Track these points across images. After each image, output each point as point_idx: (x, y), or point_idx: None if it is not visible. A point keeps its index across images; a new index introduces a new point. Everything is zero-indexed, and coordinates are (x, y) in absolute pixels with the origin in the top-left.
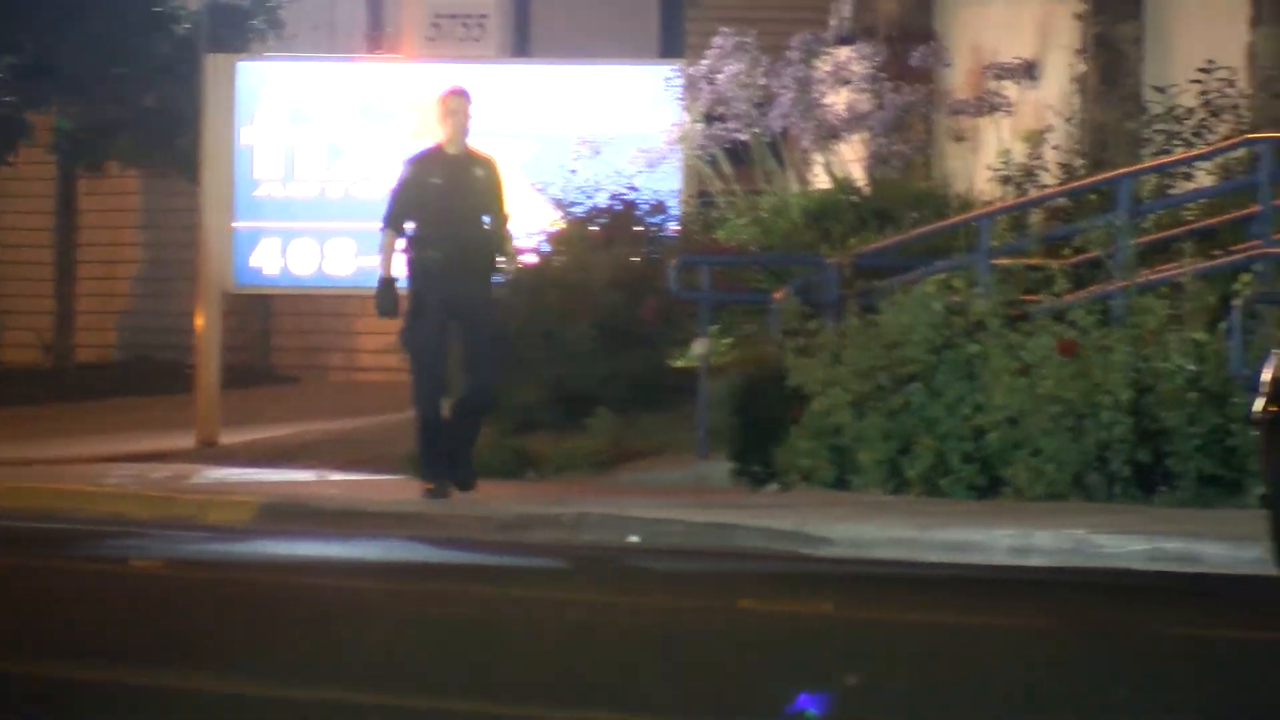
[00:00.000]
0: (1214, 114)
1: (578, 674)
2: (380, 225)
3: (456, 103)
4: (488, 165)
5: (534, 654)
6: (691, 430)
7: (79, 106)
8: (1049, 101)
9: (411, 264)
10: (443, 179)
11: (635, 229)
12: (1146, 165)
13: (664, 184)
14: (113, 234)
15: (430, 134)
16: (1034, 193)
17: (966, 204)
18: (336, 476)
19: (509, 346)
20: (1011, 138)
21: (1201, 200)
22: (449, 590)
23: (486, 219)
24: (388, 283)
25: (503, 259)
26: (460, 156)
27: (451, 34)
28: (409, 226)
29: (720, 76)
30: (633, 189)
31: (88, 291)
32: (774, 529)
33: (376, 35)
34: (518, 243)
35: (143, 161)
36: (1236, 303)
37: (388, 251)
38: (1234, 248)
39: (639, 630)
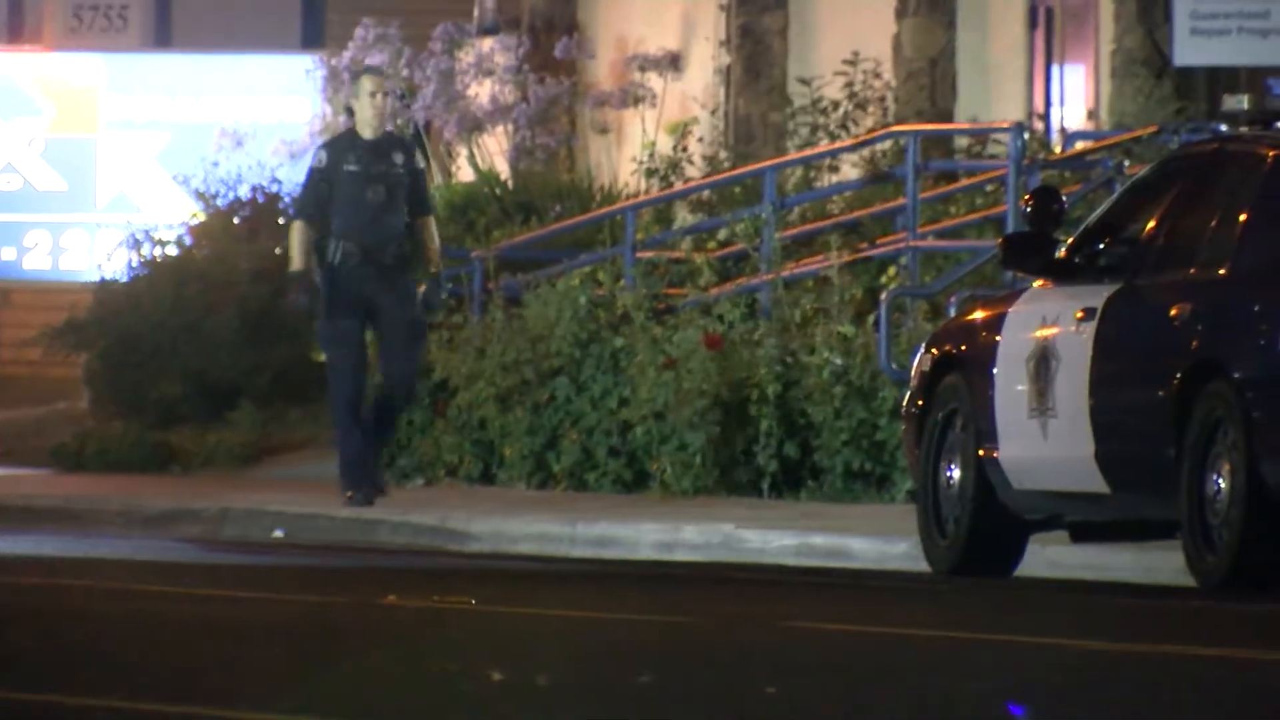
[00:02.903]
0: (860, 106)
1: (207, 671)
2: (292, 218)
3: (371, 83)
4: (408, 150)
5: (168, 651)
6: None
7: None
8: (694, 93)
9: (323, 258)
10: (358, 166)
11: (278, 221)
12: (792, 157)
13: None
14: None
15: (70, 123)
16: (679, 185)
17: (611, 197)
18: None
19: (425, 340)
20: (656, 130)
21: (848, 192)
22: (87, 586)
23: (405, 209)
24: (301, 275)
25: (432, 253)
26: (377, 142)
27: (93, 25)
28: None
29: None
30: (276, 181)
31: None
32: (418, 524)
33: (16, 26)
34: (166, 234)
35: None
36: (884, 296)
37: (301, 243)
38: (881, 240)
39: (279, 627)
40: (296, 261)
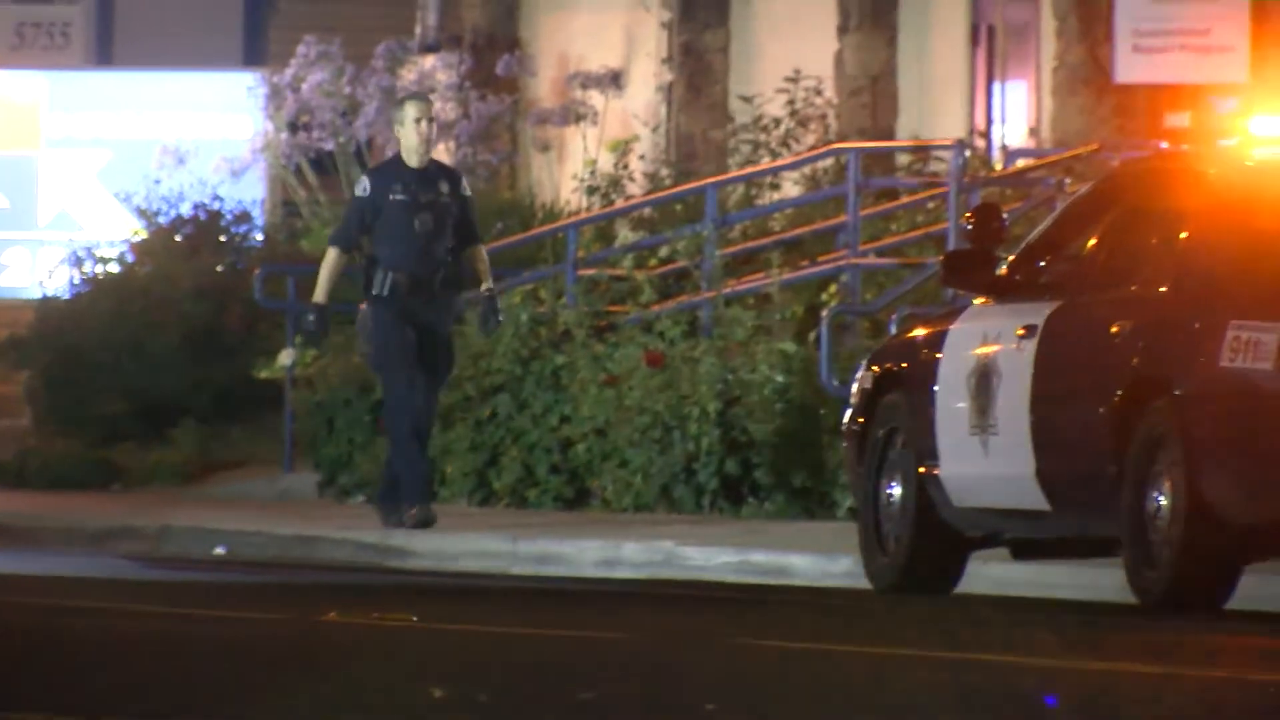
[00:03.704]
0: (801, 123)
1: (145, 688)
2: (331, 244)
3: (416, 109)
4: (454, 179)
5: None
6: (278, 442)
7: None
8: (635, 110)
9: (371, 290)
10: (405, 195)
11: (220, 239)
12: (733, 175)
13: (249, 193)
14: None
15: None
16: (620, 202)
17: (553, 214)
18: None
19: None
20: (598, 147)
21: (789, 210)
22: (27, 603)
23: (451, 239)
24: (321, 309)
25: (486, 284)
26: (424, 170)
27: (35, 42)
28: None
29: (304, 85)
30: (217, 198)
31: None
32: (360, 541)
33: None
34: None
35: None
36: (825, 313)
37: (331, 273)
38: (822, 258)
39: (220, 644)
40: (320, 294)
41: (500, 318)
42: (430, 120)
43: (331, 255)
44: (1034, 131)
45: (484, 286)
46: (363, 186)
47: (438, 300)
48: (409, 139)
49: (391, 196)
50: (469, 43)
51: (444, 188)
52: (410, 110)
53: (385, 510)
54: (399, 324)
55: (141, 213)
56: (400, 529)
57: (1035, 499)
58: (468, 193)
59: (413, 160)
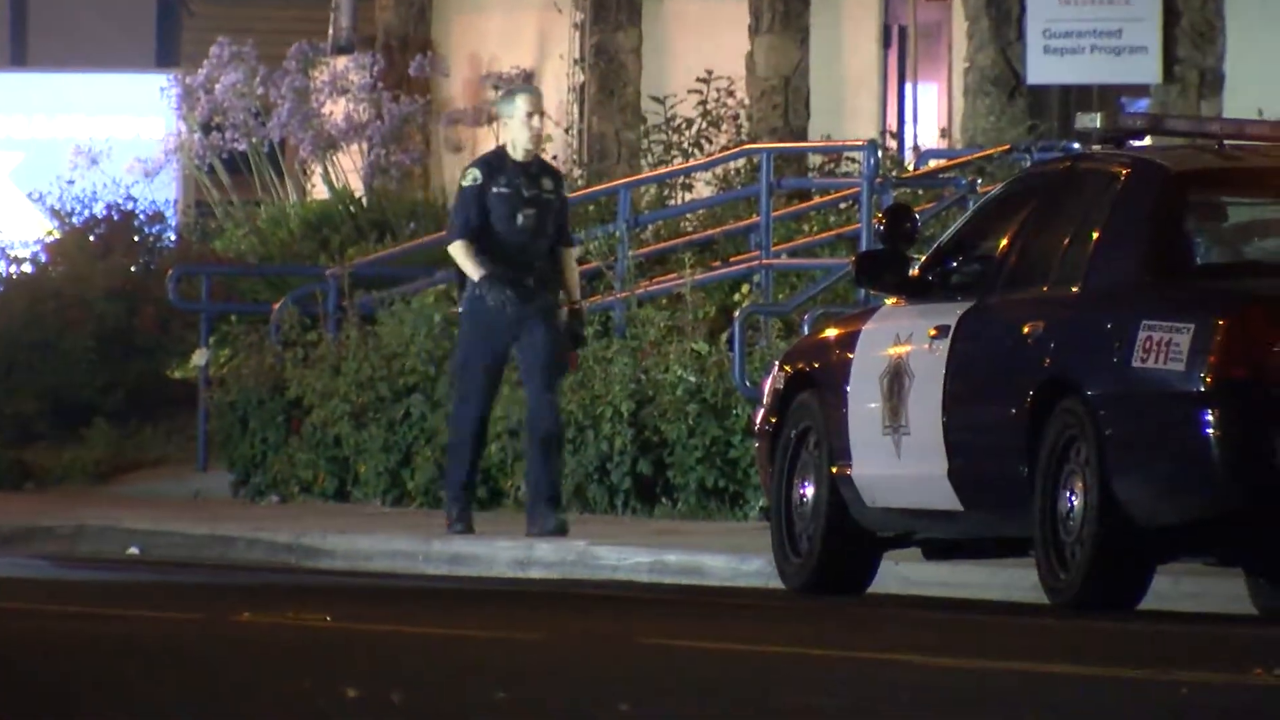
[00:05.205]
0: (714, 124)
1: (56, 688)
2: (452, 239)
3: (528, 103)
4: (557, 177)
5: (15, 669)
6: (192, 442)
7: None
8: (548, 111)
9: (465, 283)
10: (509, 188)
11: (134, 239)
12: (646, 175)
13: (162, 194)
14: None
15: None
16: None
17: None
18: None
19: (565, 372)
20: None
21: (701, 210)
22: None
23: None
24: (490, 276)
25: (572, 285)
26: (528, 164)
27: None
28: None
29: (218, 86)
30: (130, 199)
31: None
32: (273, 541)
33: None
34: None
35: None
36: (737, 314)
37: (471, 255)
38: (734, 258)
39: (133, 644)
40: (476, 272)
41: (584, 333)
42: (541, 114)
43: (460, 246)
44: (945, 132)
45: (572, 299)
46: (472, 177)
47: (536, 300)
48: (519, 133)
49: (495, 190)
50: (382, 44)
51: (547, 184)
52: (522, 104)
53: (450, 515)
54: (488, 333)
55: (55, 213)
56: (466, 535)
57: (947, 499)
58: (567, 192)
59: (519, 154)
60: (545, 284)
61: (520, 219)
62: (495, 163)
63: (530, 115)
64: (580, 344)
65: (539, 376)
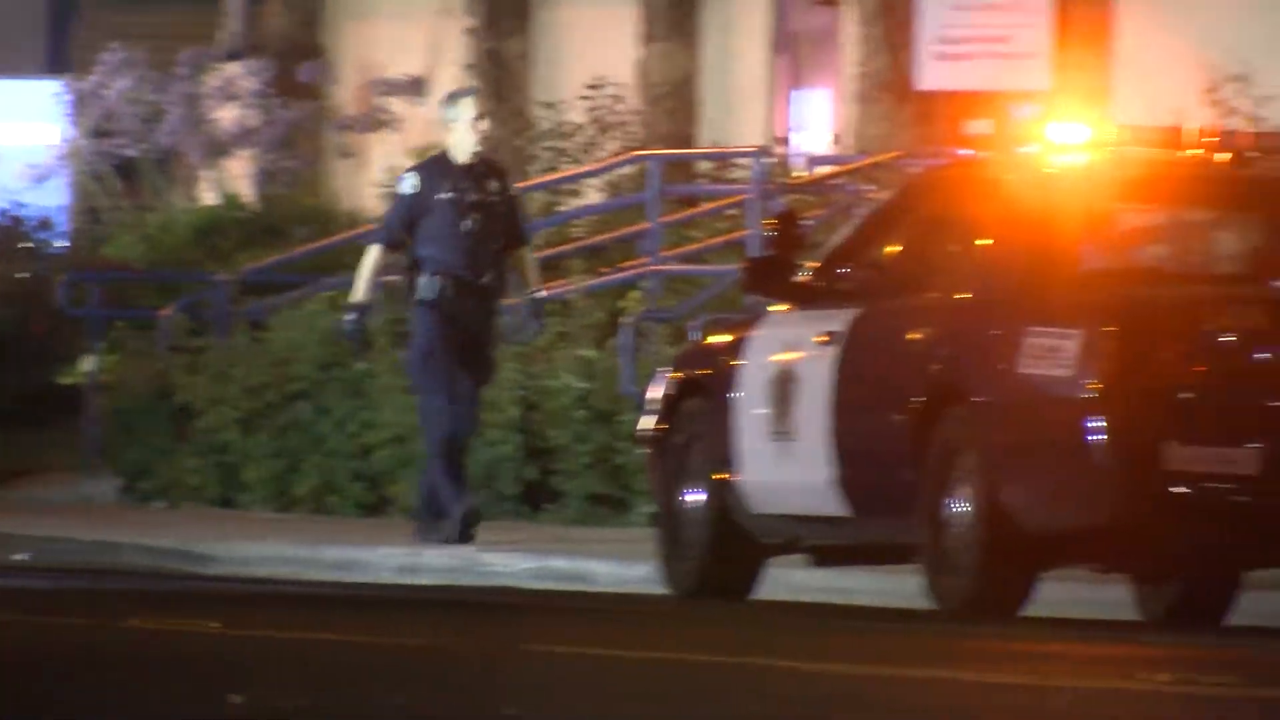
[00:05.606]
0: (603, 130)
1: None
2: (372, 241)
3: (474, 107)
4: (503, 177)
5: None
6: (79, 447)
7: None
8: (437, 118)
9: (415, 292)
10: (453, 193)
11: (23, 245)
12: (535, 181)
13: (52, 200)
14: None
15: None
16: None
17: (354, 220)
18: None
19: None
20: (400, 154)
21: (591, 216)
22: None
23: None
24: (361, 310)
25: (532, 287)
26: (471, 166)
27: None
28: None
29: (109, 92)
30: (20, 205)
31: None
32: (160, 547)
33: None
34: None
35: None
36: (625, 320)
37: (371, 272)
38: (623, 265)
39: (18, 649)
40: (360, 292)
41: (541, 324)
42: (486, 117)
43: (373, 253)
44: (836, 139)
45: (530, 290)
46: (410, 184)
47: (483, 306)
48: (465, 137)
49: (438, 195)
50: (273, 50)
51: (493, 186)
52: (468, 108)
53: (423, 527)
54: (443, 333)
55: None
56: (442, 545)
57: (834, 505)
58: (516, 191)
59: (463, 157)
60: (493, 291)
61: (466, 224)
62: (436, 168)
63: (477, 118)
64: (532, 337)
65: (468, 384)
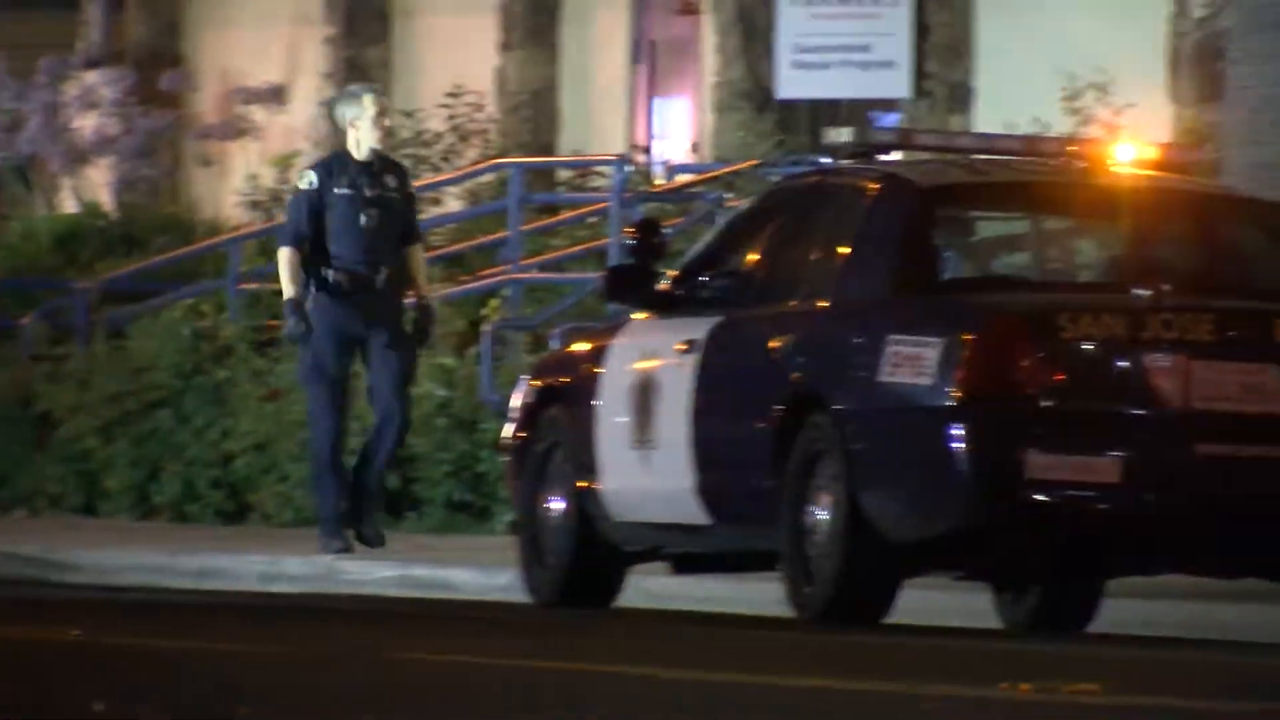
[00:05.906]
0: (463, 138)
1: None
2: (280, 244)
3: (377, 104)
4: (401, 174)
5: None
6: None
7: None
8: (298, 126)
9: (311, 289)
10: (351, 189)
11: None
12: None
13: None
14: None
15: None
16: (281, 218)
17: (214, 229)
18: None
19: (415, 374)
20: (260, 162)
21: (450, 225)
22: None
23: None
24: (296, 304)
25: (421, 281)
26: (369, 163)
27: None
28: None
29: None
30: None
31: None
32: (19, 555)
33: None
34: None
35: None
36: (486, 328)
37: (291, 269)
38: (483, 273)
39: None
40: (289, 289)
41: (433, 330)
42: (389, 113)
43: (285, 254)
44: (695, 147)
45: (419, 295)
46: (308, 181)
47: (383, 302)
48: (369, 133)
49: (337, 190)
50: (132, 58)
51: (390, 182)
52: (371, 104)
53: (326, 536)
54: (336, 333)
55: None
56: (342, 555)
57: (695, 513)
58: (412, 189)
59: (362, 154)
60: (394, 286)
61: (364, 219)
62: (334, 164)
63: (380, 114)
64: (426, 340)
65: (389, 383)
